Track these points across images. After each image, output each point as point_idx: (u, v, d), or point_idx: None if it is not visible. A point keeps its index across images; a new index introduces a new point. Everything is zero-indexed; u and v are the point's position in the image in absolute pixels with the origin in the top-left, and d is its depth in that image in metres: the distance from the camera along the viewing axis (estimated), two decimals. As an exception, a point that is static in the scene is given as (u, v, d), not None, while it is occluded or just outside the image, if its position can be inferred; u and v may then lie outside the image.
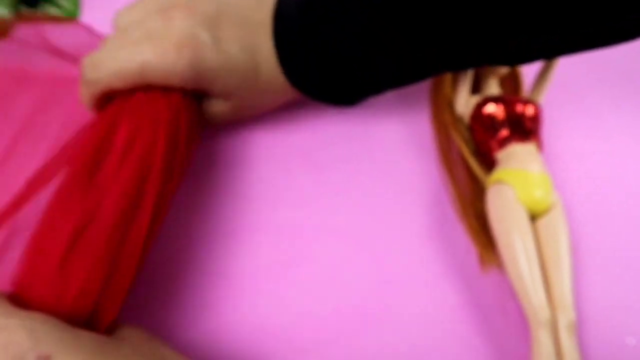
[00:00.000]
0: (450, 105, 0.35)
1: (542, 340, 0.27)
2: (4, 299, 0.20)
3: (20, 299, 0.21)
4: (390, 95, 0.37)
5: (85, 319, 0.21)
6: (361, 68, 0.29)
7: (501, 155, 0.32)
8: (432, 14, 0.25)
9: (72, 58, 0.34)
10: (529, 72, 0.37)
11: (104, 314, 0.22)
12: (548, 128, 0.36)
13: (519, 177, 0.30)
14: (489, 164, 0.33)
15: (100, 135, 0.26)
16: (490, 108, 0.33)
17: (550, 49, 0.27)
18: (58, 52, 0.34)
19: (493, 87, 0.35)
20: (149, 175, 0.24)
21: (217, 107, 0.31)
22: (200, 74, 0.28)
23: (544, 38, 0.26)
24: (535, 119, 0.33)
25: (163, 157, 0.25)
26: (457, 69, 0.29)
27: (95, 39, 0.33)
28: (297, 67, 0.29)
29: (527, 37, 0.26)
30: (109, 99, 0.29)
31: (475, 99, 0.34)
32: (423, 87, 0.37)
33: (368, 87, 0.31)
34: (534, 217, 0.31)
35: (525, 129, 0.32)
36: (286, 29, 0.29)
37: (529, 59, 0.28)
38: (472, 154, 0.34)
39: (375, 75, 0.29)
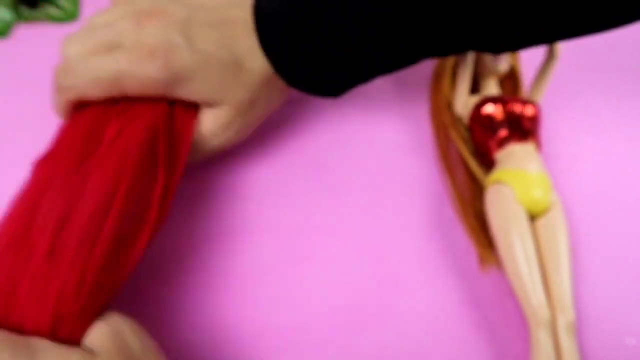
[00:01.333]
0: (450, 105, 0.35)
1: (542, 340, 0.27)
2: None
3: None
4: (389, 96, 0.37)
5: (67, 318, 0.21)
6: (348, 54, 0.28)
7: (500, 155, 0.32)
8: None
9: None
10: (528, 72, 0.37)
11: (84, 313, 0.21)
12: (547, 128, 0.36)
13: (518, 177, 0.30)
14: (488, 164, 0.33)
15: (86, 133, 0.26)
16: (489, 108, 0.33)
17: (537, 36, 0.28)
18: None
19: (492, 87, 0.35)
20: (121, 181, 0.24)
21: (211, 121, 0.29)
22: (176, 76, 0.27)
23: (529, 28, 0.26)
24: (534, 119, 0.33)
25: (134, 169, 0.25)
26: (441, 55, 0.29)
27: None
28: (283, 58, 0.29)
29: (510, 29, 0.26)
30: (80, 107, 0.28)
31: (474, 99, 0.34)
32: (422, 88, 0.38)
33: (354, 74, 0.30)
34: (533, 217, 0.31)
35: (524, 129, 0.32)
36: (270, 21, 0.28)
37: (516, 44, 0.28)
38: (472, 154, 0.34)
39: (362, 62, 0.29)
